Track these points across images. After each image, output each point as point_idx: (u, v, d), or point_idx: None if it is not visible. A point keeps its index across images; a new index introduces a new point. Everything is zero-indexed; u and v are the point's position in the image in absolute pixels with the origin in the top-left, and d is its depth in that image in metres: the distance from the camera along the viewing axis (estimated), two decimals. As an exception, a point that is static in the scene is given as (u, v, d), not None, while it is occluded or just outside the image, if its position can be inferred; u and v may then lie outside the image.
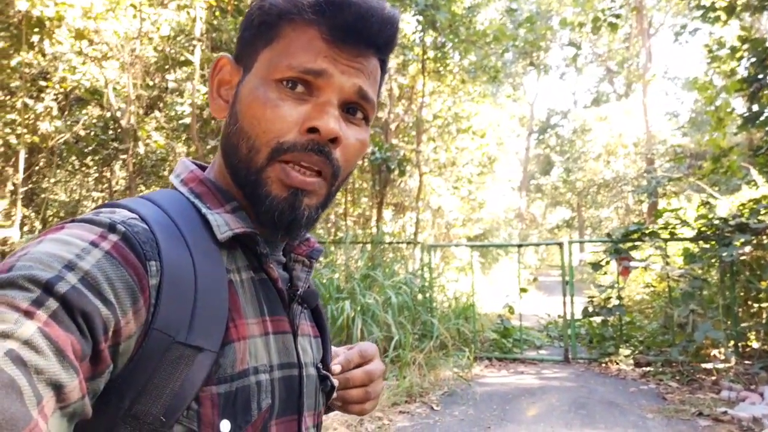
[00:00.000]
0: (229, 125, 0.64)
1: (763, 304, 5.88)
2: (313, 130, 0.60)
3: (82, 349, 0.44)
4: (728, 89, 8.84)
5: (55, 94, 7.20)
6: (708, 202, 7.64)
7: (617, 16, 7.86)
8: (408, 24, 10.27)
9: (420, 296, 6.88)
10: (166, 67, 6.72)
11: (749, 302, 6.02)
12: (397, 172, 8.95)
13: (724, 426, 4.24)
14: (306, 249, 0.72)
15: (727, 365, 5.76)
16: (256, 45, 0.63)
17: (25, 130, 6.56)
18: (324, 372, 0.72)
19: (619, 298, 6.36)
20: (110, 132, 7.73)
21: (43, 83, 6.95)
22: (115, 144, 7.05)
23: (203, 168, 0.71)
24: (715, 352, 6.08)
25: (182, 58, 6.80)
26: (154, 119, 7.04)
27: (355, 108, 0.64)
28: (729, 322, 5.90)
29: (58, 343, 0.42)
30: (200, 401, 0.54)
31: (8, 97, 7.10)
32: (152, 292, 0.52)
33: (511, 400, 5.00)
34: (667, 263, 6.25)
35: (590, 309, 6.45)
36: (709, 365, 5.76)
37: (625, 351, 6.27)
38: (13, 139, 6.30)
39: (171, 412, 0.51)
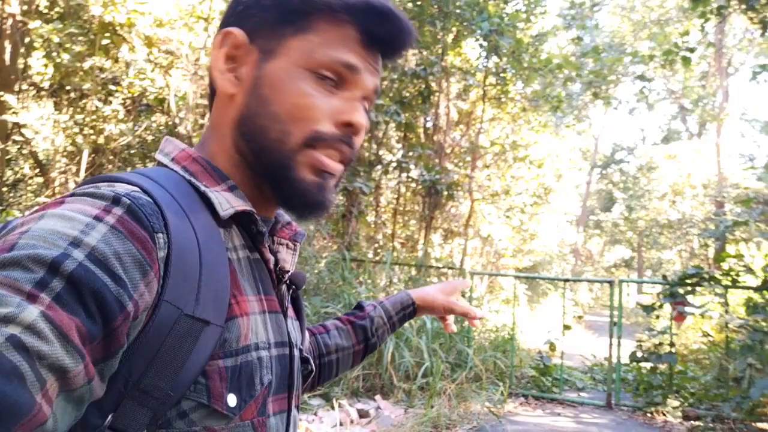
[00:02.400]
0: (252, 106, 0.64)
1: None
2: (348, 124, 0.64)
3: (89, 331, 0.44)
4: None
5: (123, 99, 7.56)
6: (719, 248, 7.12)
7: (691, 50, 7.53)
8: (472, 49, 10.22)
9: (457, 325, 6.69)
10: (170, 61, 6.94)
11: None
12: (446, 195, 8.84)
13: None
14: (289, 232, 0.74)
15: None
16: (281, 30, 0.64)
17: (91, 131, 6.91)
18: (305, 354, 0.75)
19: (671, 344, 5.96)
20: (172, 138, 8.03)
21: (112, 87, 7.32)
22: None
23: None
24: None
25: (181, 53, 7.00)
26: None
27: (367, 102, 0.69)
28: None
29: (62, 328, 0.42)
30: (208, 375, 0.54)
31: (80, 99, 7.51)
32: (161, 265, 0.52)
33: (543, 442, 4.73)
34: (727, 312, 5.82)
35: (639, 354, 6.07)
36: (765, 425, 5.28)
37: (673, 402, 5.84)
38: (79, 139, 6.63)
39: (178, 387, 0.52)
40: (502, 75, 9.25)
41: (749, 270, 5.83)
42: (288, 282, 0.70)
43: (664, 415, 5.78)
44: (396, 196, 10.51)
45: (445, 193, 8.71)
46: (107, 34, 6.20)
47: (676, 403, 5.83)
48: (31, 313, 0.41)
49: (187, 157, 0.65)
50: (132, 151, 8.46)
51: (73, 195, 0.53)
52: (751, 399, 5.15)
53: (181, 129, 6.88)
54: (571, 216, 23.90)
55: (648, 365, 6.14)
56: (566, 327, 6.69)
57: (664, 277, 6.14)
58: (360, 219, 8.69)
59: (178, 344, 0.51)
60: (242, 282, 0.61)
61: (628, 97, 27.76)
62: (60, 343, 0.41)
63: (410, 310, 1.06)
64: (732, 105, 20.56)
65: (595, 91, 8.22)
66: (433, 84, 9.03)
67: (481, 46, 8.94)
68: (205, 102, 7.56)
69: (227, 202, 0.62)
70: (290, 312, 0.74)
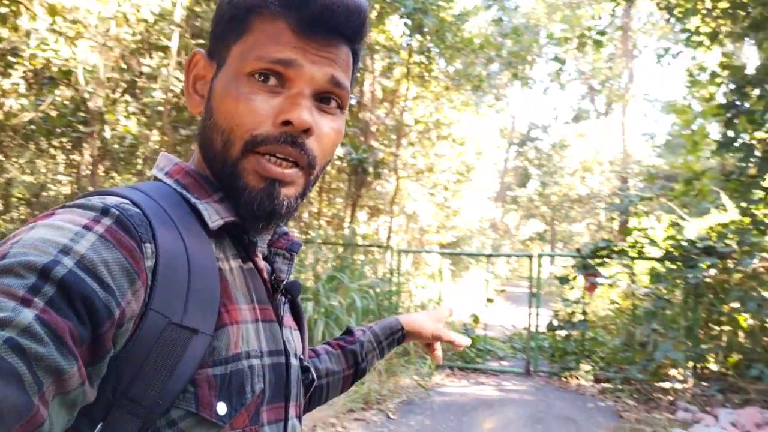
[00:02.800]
0: (204, 120, 0.65)
1: (724, 327, 5.94)
2: (286, 122, 0.61)
3: (80, 335, 0.44)
4: (705, 114, 9.00)
5: (24, 71, 6.96)
6: (677, 224, 7.73)
7: (602, 34, 7.92)
8: (396, 27, 10.22)
9: (386, 301, 6.81)
10: (142, 51, 6.56)
11: (710, 324, 6.08)
12: (373, 174, 8.88)
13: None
14: (286, 242, 0.73)
15: (685, 386, 5.81)
16: (227, 40, 0.64)
17: (-11, 106, 6.32)
18: (306, 364, 0.74)
19: (584, 313, 6.38)
20: (80, 114, 7.52)
21: (12, 59, 6.71)
22: (81, 127, 6.85)
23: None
24: (674, 372, 6.13)
25: (161, 44, 6.64)
26: (126, 103, 6.85)
27: (328, 97, 0.64)
28: (690, 344, 5.96)
29: (57, 330, 0.42)
30: (197, 384, 0.54)
31: (-26, 71, 6.83)
32: (149, 274, 0.52)
33: (469, 411, 4.96)
34: (633, 281, 6.29)
35: (554, 323, 6.46)
36: (667, 385, 5.80)
37: (586, 366, 6.29)
38: (-25, 114, 6.06)
39: (167, 395, 0.52)
40: (425, 54, 9.34)
41: (653, 242, 6.32)
42: (284, 291, 0.70)
43: (578, 379, 6.21)
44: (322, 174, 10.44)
45: (372, 171, 8.75)
46: (5, 1, 5.67)
47: (589, 368, 6.28)
48: (27, 316, 0.42)
49: (179, 170, 0.66)
50: (34, 128, 7.83)
51: (64, 207, 0.54)
52: (655, 361, 5.63)
53: (91, 104, 6.45)
54: (490, 192, 24.76)
55: (563, 333, 6.55)
56: (489, 300, 6.99)
57: (578, 250, 6.54)
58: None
59: (166, 352, 0.52)
60: (233, 291, 0.61)
61: (542, 77, 28.82)
62: (55, 345, 0.42)
63: (399, 335, 1.06)
64: (636, 86, 21.89)
65: (514, 72, 8.48)
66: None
67: (405, 24, 8.95)
68: (118, 75, 7.12)
69: (216, 214, 0.62)
70: (289, 321, 0.73)
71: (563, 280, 6.47)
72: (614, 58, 23.13)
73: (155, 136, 7.50)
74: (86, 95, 6.58)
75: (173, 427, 0.53)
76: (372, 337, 1.04)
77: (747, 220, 6.31)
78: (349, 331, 1.05)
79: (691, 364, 5.87)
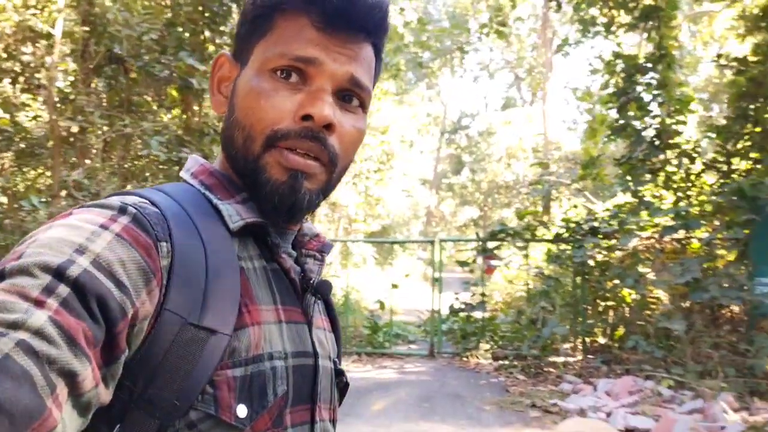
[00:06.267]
0: (227, 118, 0.65)
1: (609, 303, 6.31)
2: (307, 117, 0.60)
3: (94, 336, 0.44)
4: (602, 101, 9.45)
5: None
6: (576, 206, 8.10)
7: (503, 24, 8.14)
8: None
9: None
10: (22, 38, 6.23)
11: (598, 301, 6.45)
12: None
13: (551, 417, 4.50)
14: (317, 244, 0.72)
15: (574, 359, 6.15)
16: (251, 39, 0.64)
17: None
18: (340, 367, 0.73)
19: (483, 295, 6.62)
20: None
21: None
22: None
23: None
24: (566, 346, 6.47)
25: (44, 31, 6.32)
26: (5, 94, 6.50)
27: (350, 95, 0.64)
28: (579, 320, 6.29)
29: (70, 332, 0.42)
30: (216, 385, 0.53)
31: None
32: (164, 273, 0.52)
33: (363, 395, 5.07)
34: (527, 263, 6.56)
35: (456, 305, 6.67)
36: (560, 359, 6.12)
37: (485, 346, 6.53)
38: None
39: (184, 396, 0.51)
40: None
41: (543, 224, 6.62)
42: (313, 292, 0.68)
43: (478, 358, 6.46)
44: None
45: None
46: None
47: (488, 347, 6.54)
48: (39, 318, 0.41)
49: (204, 171, 0.67)
50: None
51: (82, 207, 0.54)
52: (543, 337, 5.93)
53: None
54: (422, 180, 25.06)
55: (465, 315, 6.78)
56: (394, 286, 7.13)
57: (477, 234, 6.76)
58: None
59: (182, 353, 0.51)
60: (256, 291, 0.60)
61: (473, 66, 29.38)
62: (68, 347, 0.42)
63: None
64: (557, 75, 22.60)
65: (419, 62, 8.61)
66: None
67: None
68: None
69: (237, 215, 0.62)
70: (322, 323, 0.71)
71: (463, 263, 6.69)
72: (537, 47, 23.82)
73: (29, 122, 7.13)
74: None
75: (192, 429, 0.52)
76: None
77: (635, 201, 6.70)
78: None
79: (580, 339, 6.21)
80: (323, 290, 0.70)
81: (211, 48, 7.41)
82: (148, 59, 6.34)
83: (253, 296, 0.60)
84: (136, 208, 0.54)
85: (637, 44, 11.63)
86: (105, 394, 0.46)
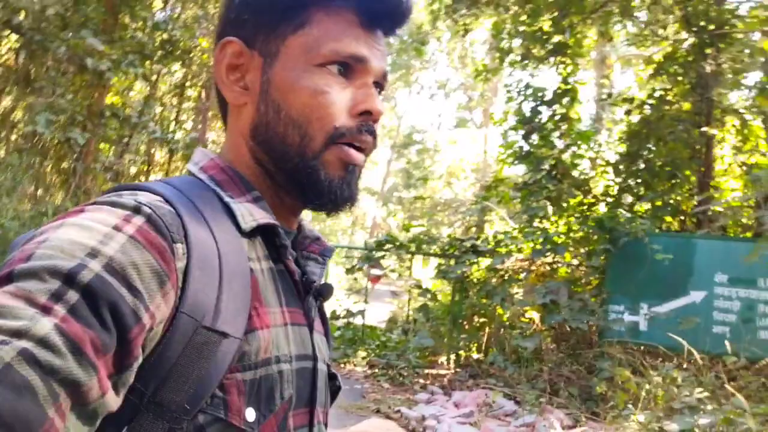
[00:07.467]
0: (265, 114, 0.64)
1: (482, 319, 6.53)
2: (365, 113, 0.63)
3: (103, 343, 0.43)
4: (514, 127, 9.82)
5: None
6: (477, 225, 8.31)
7: (423, 43, 8.38)
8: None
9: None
10: None
11: (475, 317, 6.65)
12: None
13: (391, 423, 4.61)
14: (318, 247, 0.73)
15: (446, 372, 6.31)
16: (279, 30, 0.64)
17: None
18: (333, 371, 0.73)
19: (365, 302, 6.74)
20: None
21: None
22: None
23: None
24: (443, 359, 6.65)
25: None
26: None
27: (380, 88, 0.68)
28: (454, 333, 6.47)
29: (76, 341, 0.41)
30: (226, 389, 0.53)
31: None
32: (179, 276, 0.51)
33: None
34: (410, 275, 6.72)
35: (337, 312, 6.77)
36: (433, 371, 6.27)
37: (362, 353, 6.64)
38: None
39: (195, 400, 0.50)
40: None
41: (432, 240, 6.81)
42: (315, 294, 0.69)
43: (354, 365, 6.55)
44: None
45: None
46: None
47: (364, 354, 6.64)
48: (45, 326, 0.40)
49: (215, 166, 0.65)
50: None
51: (95, 203, 0.52)
52: (411, 348, 6.07)
53: None
54: (371, 190, 25.19)
55: (345, 321, 6.88)
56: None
57: (366, 243, 6.89)
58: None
59: (194, 357, 0.50)
60: (264, 293, 0.60)
61: (431, 83, 29.90)
62: (73, 356, 0.40)
63: None
64: (499, 97, 23.16)
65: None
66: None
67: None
68: None
69: (250, 215, 0.61)
70: (319, 326, 0.71)
71: (349, 270, 6.80)
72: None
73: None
74: None
75: None
76: None
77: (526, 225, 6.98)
78: None
79: (453, 353, 6.38)
80: (326, 294, 0.71)
81: (124, 32, 7.36)
82: (47, 34, 6.25)
83: (262, 298, 0.59)
84: (150, 208, 0.52)
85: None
86: (114, 402, 0.45)
